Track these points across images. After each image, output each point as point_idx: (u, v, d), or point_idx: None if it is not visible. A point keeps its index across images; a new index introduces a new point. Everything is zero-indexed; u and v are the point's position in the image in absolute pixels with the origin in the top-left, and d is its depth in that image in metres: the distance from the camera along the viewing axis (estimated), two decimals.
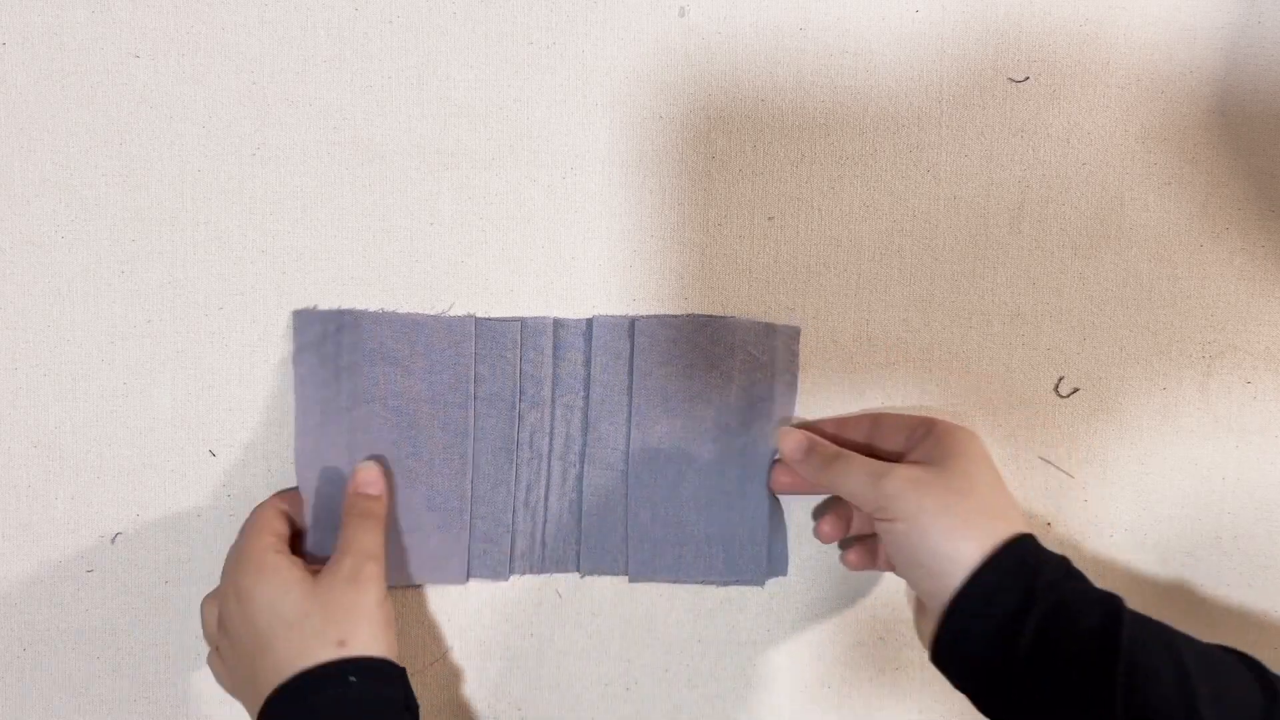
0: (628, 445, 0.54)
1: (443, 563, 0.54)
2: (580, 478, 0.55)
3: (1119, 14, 0.56)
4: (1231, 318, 0.58)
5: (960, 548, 0.47)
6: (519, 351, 0.53)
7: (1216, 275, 0.58)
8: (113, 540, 0.53)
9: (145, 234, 0.52)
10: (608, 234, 0.54)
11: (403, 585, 0.54)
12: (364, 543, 0.49)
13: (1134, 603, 0.46)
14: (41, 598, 0.53)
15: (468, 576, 0.54)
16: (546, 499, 0.55)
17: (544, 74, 0.53)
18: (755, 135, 0.55)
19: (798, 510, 0.57)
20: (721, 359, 0.54)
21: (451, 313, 0.53)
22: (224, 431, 0.53)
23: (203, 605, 0.51)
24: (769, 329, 0.55)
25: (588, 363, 0.54)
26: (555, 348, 0.54)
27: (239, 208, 0.52)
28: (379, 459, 0.52)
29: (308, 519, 0.52)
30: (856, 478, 0.50)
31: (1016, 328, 0.57)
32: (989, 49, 0.56)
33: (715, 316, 0.55)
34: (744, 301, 0.55)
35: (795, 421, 0.55)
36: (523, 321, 0.54)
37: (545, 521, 0.55)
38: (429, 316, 0.53)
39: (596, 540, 0.55)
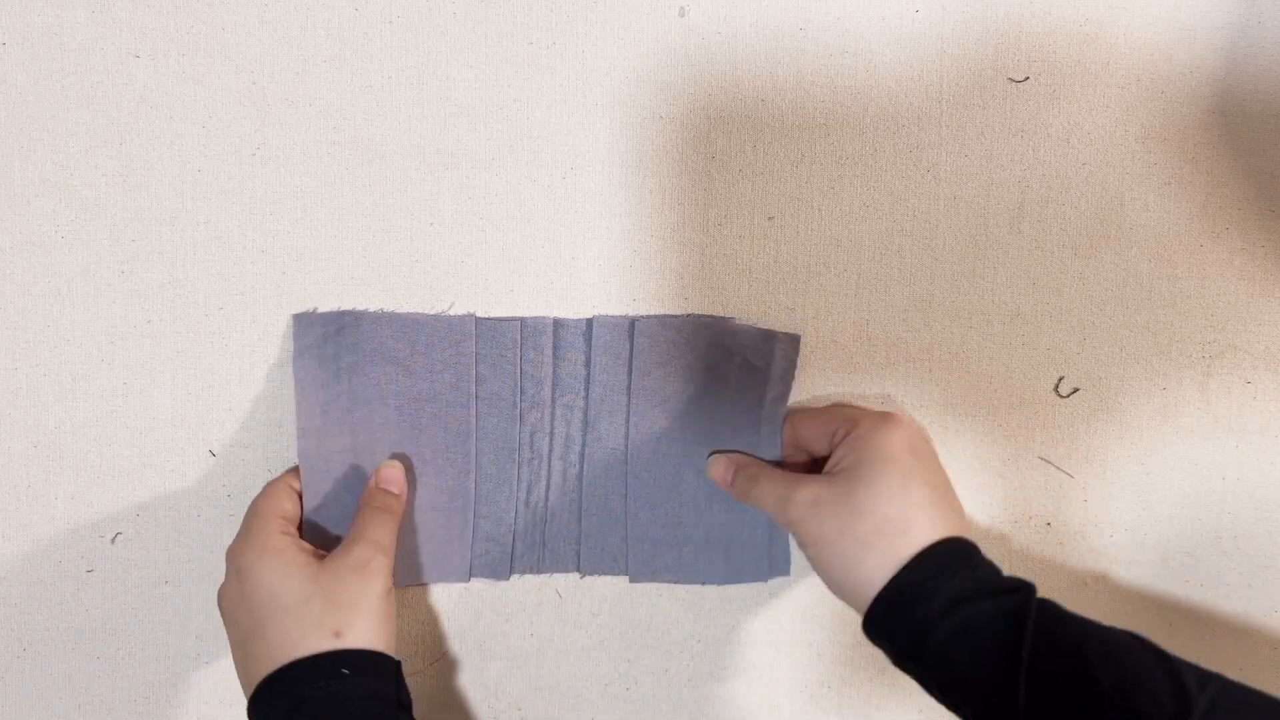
0: (627, 445, 0.54)
1: (446, 562, 0.54)
2: (580, 478, 0.55)
3: (1119, 14, 0.56)
4: (1231, 318, 0.58)
5: (861, 572, 0.45)
6: (519, 351, 0.53)
7: (1216, 275, 0.58)
8: (113, 540, 0.53)
9: (145, 234, 0.52)
10: (608, 234, 0.54)
11: (405, 584, 0.54)
12: (377, 534, 0.48)
13: (1133, 603, 0.46)
14: (41, 598, 0.53)
15: (470, 576, 0.54)
16: (547, 499, 0.55)
17: (544, 74, 0.53)
18: (755, 135, 0.55)
19: None
20: (719, 362, 0.54)
21: (451, 312, 0.53)
22: (224, 431, 0.53)
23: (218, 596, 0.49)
24: (768, 336, 0.55)
25: (588, 363, 0.54)
26: (555, 348, 0.54)
27: (239, 208, 0.52)
28: (402, 458, 0.52)
29: (309, 511, 0.51)
30: (769, 501, 0.49)
31: (1016, 328, 0.57)
32: (989, 49, 0.56)
33: (716, 318, 0.55)
34: (744, 301, 0.55)
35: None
36: (523, 321, 0.54)
37: (546, 521, 0.55)
38: (429, 316, 0.53)
39: (597, 540, 0.55)
